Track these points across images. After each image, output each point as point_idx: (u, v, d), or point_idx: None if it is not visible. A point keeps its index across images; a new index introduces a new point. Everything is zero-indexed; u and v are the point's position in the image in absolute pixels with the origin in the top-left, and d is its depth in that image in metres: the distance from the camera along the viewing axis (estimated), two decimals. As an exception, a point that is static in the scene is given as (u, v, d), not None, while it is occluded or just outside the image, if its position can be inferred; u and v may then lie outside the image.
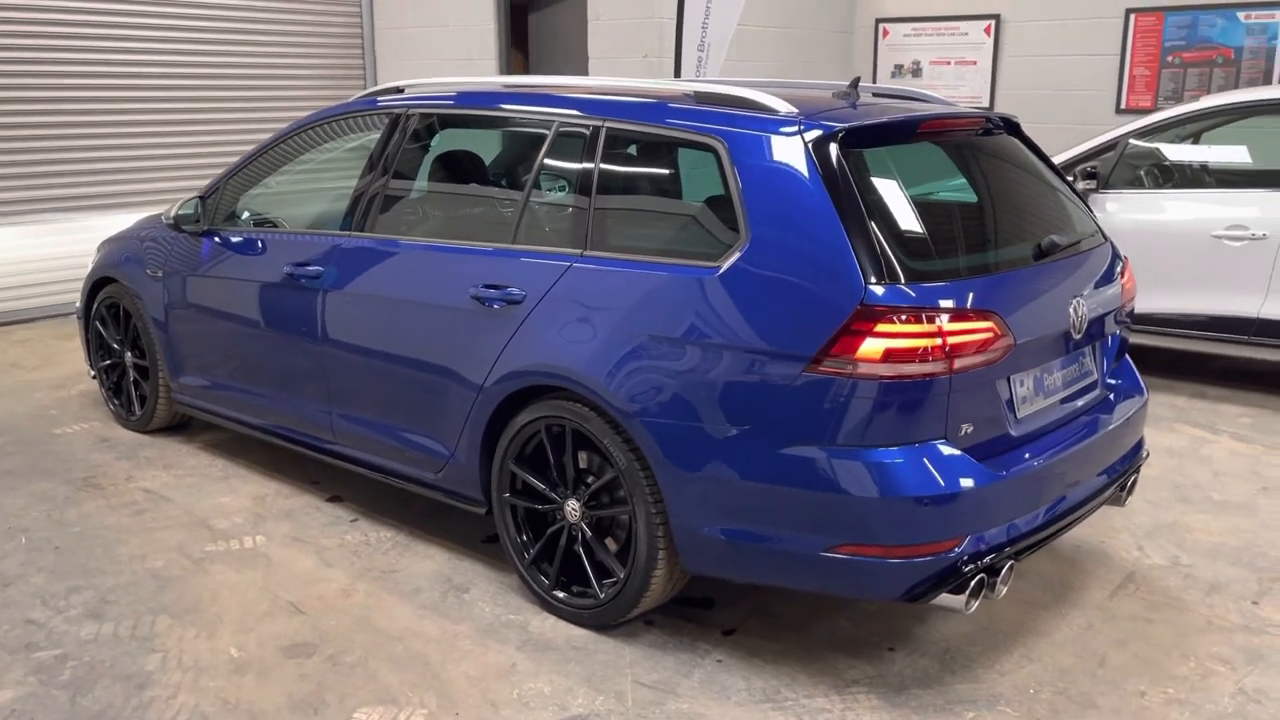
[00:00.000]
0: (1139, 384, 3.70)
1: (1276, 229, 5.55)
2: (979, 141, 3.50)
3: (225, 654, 3.23)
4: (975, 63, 9.19)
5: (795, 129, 3.01)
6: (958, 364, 2.79)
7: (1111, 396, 3.54)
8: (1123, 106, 8.52)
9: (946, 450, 2.84)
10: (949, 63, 9.31)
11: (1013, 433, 3.03)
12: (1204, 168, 6.29)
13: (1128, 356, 3.76)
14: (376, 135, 4.12)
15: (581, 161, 3.41)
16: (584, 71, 8.25)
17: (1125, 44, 8.49)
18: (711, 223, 3.15)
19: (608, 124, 3.39)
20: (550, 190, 3.63)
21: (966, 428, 2.88)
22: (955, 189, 3.34)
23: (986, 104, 9.19)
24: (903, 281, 2.80)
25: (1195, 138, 6.34)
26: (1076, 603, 3.58)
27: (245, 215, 4.63)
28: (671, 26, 7.40)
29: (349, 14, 9.48)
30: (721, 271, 2.98)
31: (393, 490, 4.40)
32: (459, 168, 4.10)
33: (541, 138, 3.58)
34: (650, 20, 7.87)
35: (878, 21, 9.69)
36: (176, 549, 3.95)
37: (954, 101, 3.88)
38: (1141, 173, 6.21)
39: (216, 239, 4.59)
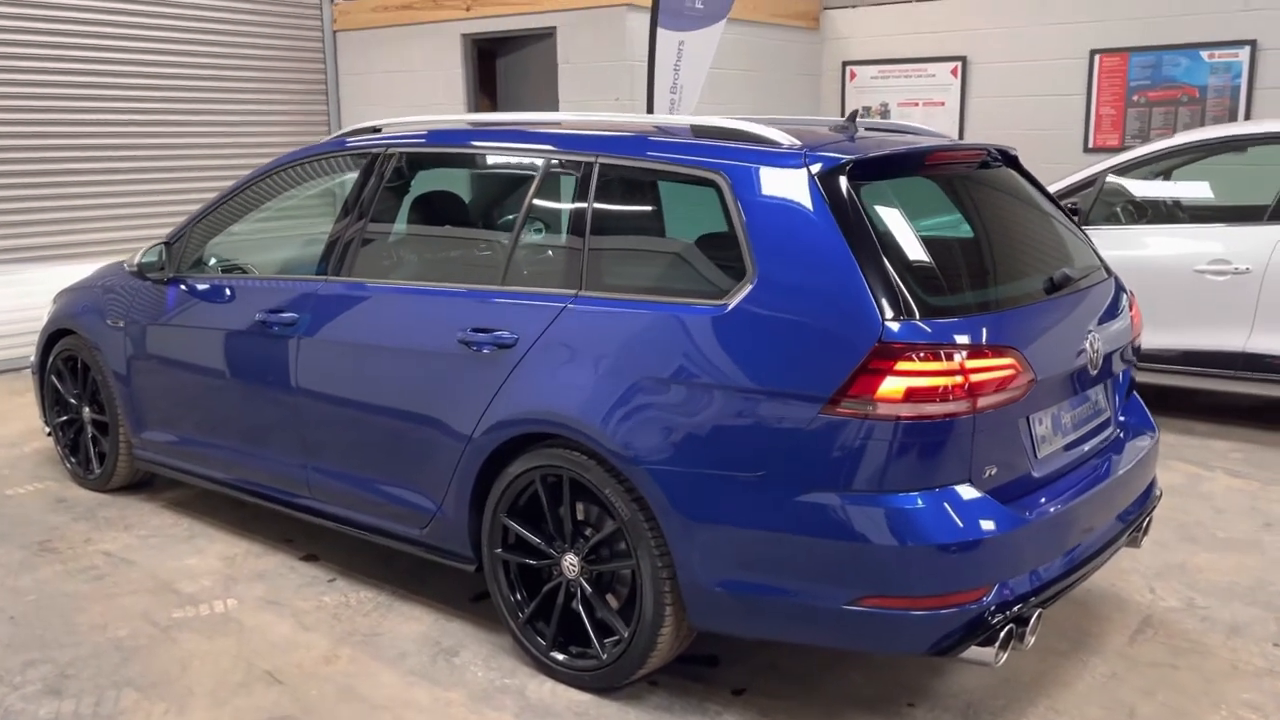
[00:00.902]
0: (1149, 421, 3.59)
1: (1259, 263, 5.53)
2: (980, 175, 3.40)
3: (198, 731, 2.99)
4: (943, 103, 9.22)
5: (800, 161, 2.89)
6: (981, 403, 2.66)
7: (1123, 435, 3.43)
8: (1090, 145, 8.57)
9: (970, 494, 2.69)
10: (917, 104, 9.34)
11: (1035, 474, 2.90)
12: (1180, 204, 6.29)
13: (1136, 394, 3.66)
14: (352, 177, 3.95)
15: (574, 199, 3.27)
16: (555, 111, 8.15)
17: (1091, 84, 8.56)
18: (715, 260, 3.01)
19: (600, 159, 3.25)
20: (540, 229, 3.48)
21: (990, 470, 2.74)
22: (960, 224, 3.23)
23: (955, 144, 9.21)
24: (920, 318, 2.67)
25: (1169, 174, 6.35)
26: (1096, 649, 3.43)
27: (213, 262, 4.43)
28: (643, 69, 7.33)
29: (312, 59, 9.33)
30: (729, 310, 2.84)
31: (372, 548, 4.17)
32: (441, 209, 3.94)
33: (530, 175, 3.43)
34: (621, 63, 7.81)
35: (845, 64, 9.72)
36: (141, 616, 3.69)
37: (947, 136, 3.79)
38: (1119, 209, 6.19)
39: (182, 286, 4.38)
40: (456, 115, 3.99)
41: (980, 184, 3.42)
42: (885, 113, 9.51)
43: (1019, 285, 3.09)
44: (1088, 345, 3.09)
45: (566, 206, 3.29)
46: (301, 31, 9.24)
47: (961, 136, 9.18)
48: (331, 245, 3.85)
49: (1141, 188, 6.25)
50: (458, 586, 3.87)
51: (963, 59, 9.07)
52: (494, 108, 8.96)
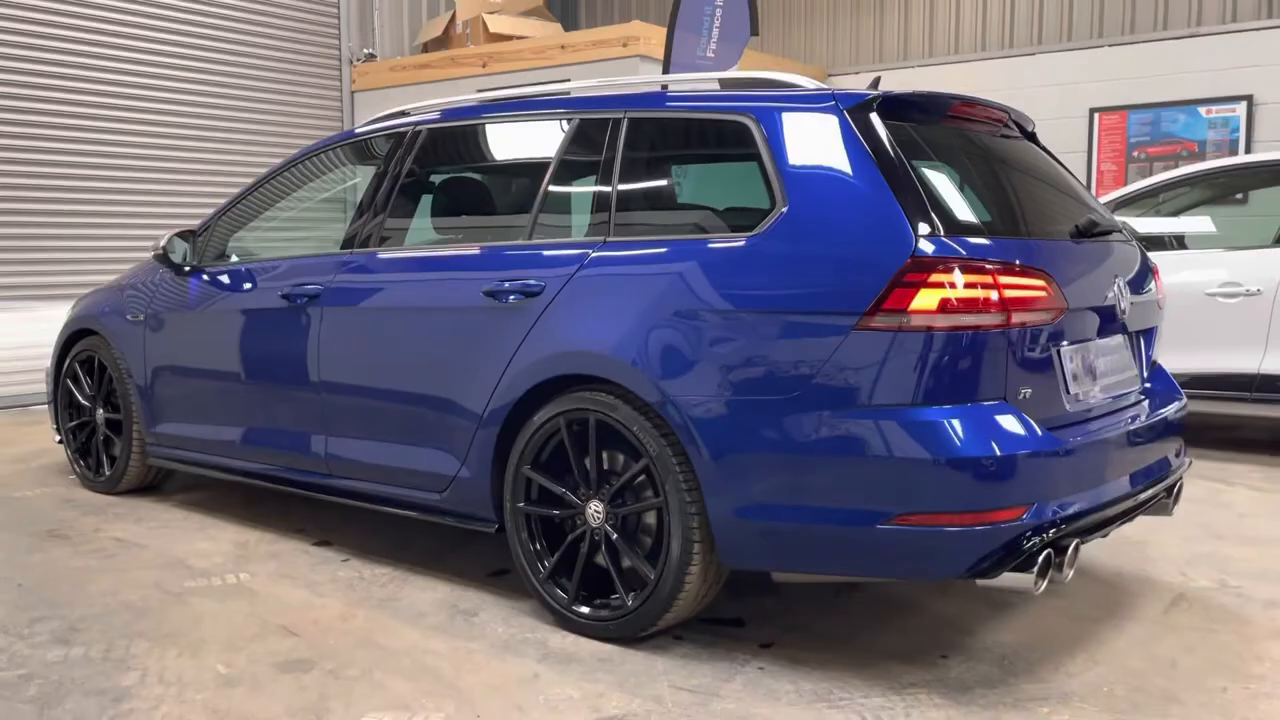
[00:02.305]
0: (1175, 387, 3.58)
1: (1270, 284, 5.57)
2: (1001, 142, 3.46)
3: (212, 670, 2.89)
4: (947, 163, 9.39)
5: (829, 99, 2.95)
6: (1015, 318, 2.66)
7: (1152, 395, 3.41)
8: (1093, 200, 8.70)
9: (1005, 411, 2.67)
10: (921, 164, 9.51)
11: (1067, 407, 2.87)
12: (1181, 239, 6.36)
13: (1162, 364, 3.65)
14: (378, 162, 4.01)
15: (604, 155, 3.31)
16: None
17: (1091, 141, 8.74)
18: (744, 199, 3.04)
19: (630, 114, 3.31)
20: (568, 185, 3.51)
21: (1025, 391, 2.72)
22: (986, 172, 3.27)
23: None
24: (950, 236, 2.69)
25: (1175, 212, 6.45)
26: (1131, 616, 3.35)
27: (234, 258, 4.46)
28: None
29: (329, 119, 9.54)
30: (759, 235, 2.86)
31: (385, 533, 4.12)
32: (467, 184, 3.98)
33: (559, 136, 3.49)
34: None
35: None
36: (152, 585, 3.61)
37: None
38: (1127, 242, 6.26)
39: (204, 276, 4.40)
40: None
41: (1003, 149, 3.47)
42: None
43: (1046, 226, 3.12)
44: (1115, 290, 3.10)
45: (594, 161, 3.34)
46: (321, 92, 9.47)
47: (966, 195, 9.33)
48: (356, 223, 3.89)
49: (1146, 223, 6.33)
50: (475, 564, 3.80)
51: (965, 120, 9.28)
52: (507, 162, 9.12)
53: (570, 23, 11.72)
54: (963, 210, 2.85)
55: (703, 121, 3.20)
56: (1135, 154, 8.59)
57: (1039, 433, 2.69)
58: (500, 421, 3.28)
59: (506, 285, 3.29)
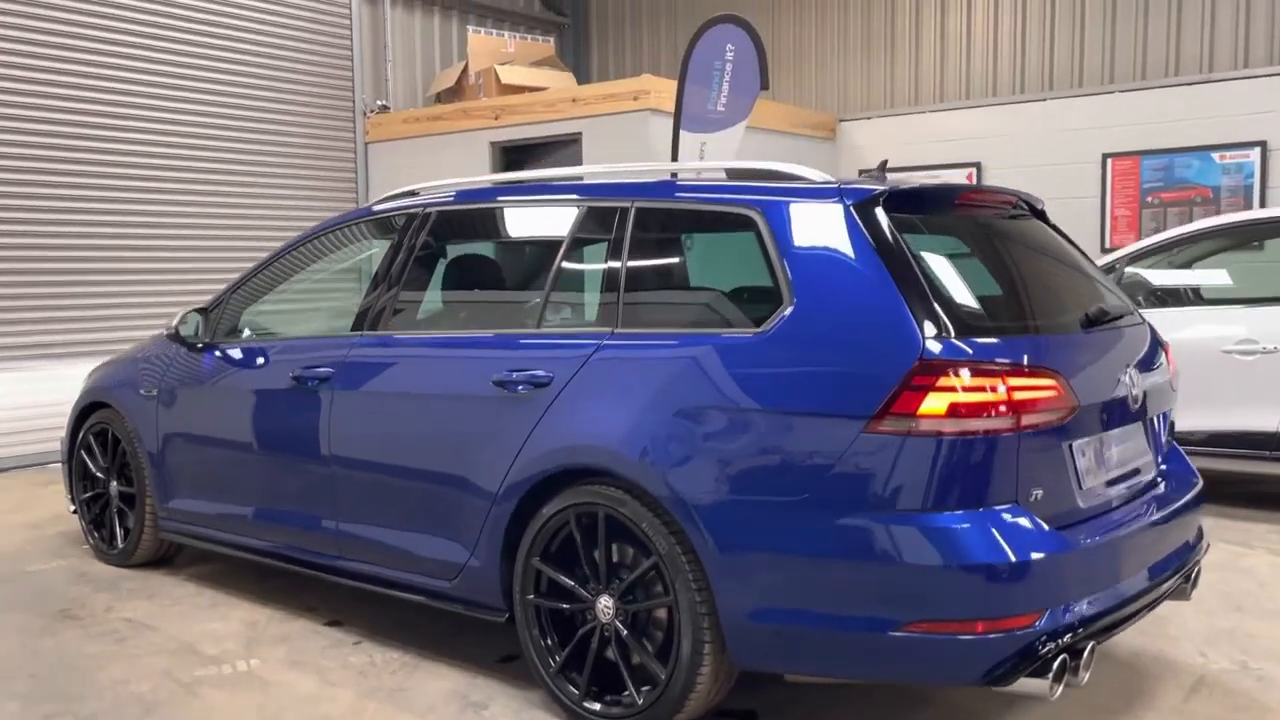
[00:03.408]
0: (1192, 469, 3.54)
1: (1288, 342, 5.52)
2: (1010, 224, 3.45)
3: (221, 775, 2.88)
4: (959, 209, 9.37)
5: (836, 194, 2.95)
6: (1025, 421, 2.64)
7: (1167, 480, 3.38)
8: (1107, 246, 8.66)
9: (1017, 515, 2.64)
10: (933, 209, 9.50)
11: (1080, 504, 2.85)
12: (1201, 291, 6.32)
13: (1175, 442, 3.61)
14: (389, 241, 4.03)
15: (610, 243, 3.32)
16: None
17: (1105, 187, 8.72)
18: (752, 292, 3.04)
19: (638, 204, 3.32)
20: (576, 274, 3.52)
21: (1036, 492, 2.69)
22: (995, 261, 3.26)
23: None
24: (959, 337, 2.67)
25: (1188, 264, 6.41)
26: (1151, 705, 3.30)
27: (247, 333, 4.48)
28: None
29: (344, 170, 9.61)
30: (768, 335, 2.85)
31: (396, 613, 4.09)
32: (476, 269, 4.00)
33: (567, 223, 3.50)
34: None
35: (861, 173, 9.95)
36: (163, 674, 3.60)
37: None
38: (1140, 297, 6.22)
39: (217, 353, 4.42)
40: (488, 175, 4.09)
41: (1012, 232, 3.46)
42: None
43: (1055, 318, 3.10)
44: (1127, 380, 3.07)
45: (602, 251, 3.34)
46: (336, 144, 9.55)
47: (979, 240, 9.30)
48: (367, 304, 3.91)
49: (1161, 276, 6.29)
50: (485, 648, 3.77)
51: (977, 165, 9.28)
52: (519, 213, 9.16)
53: (582, 72, 11.80)
54: (971, 306, 2.83)
55: (709, 214, 3.21)
56: (1149, 199, 8.56)
57: (1051, 535, 2.67)
58: (510, 512, 3.27)
59: (515, 375, 3.28)
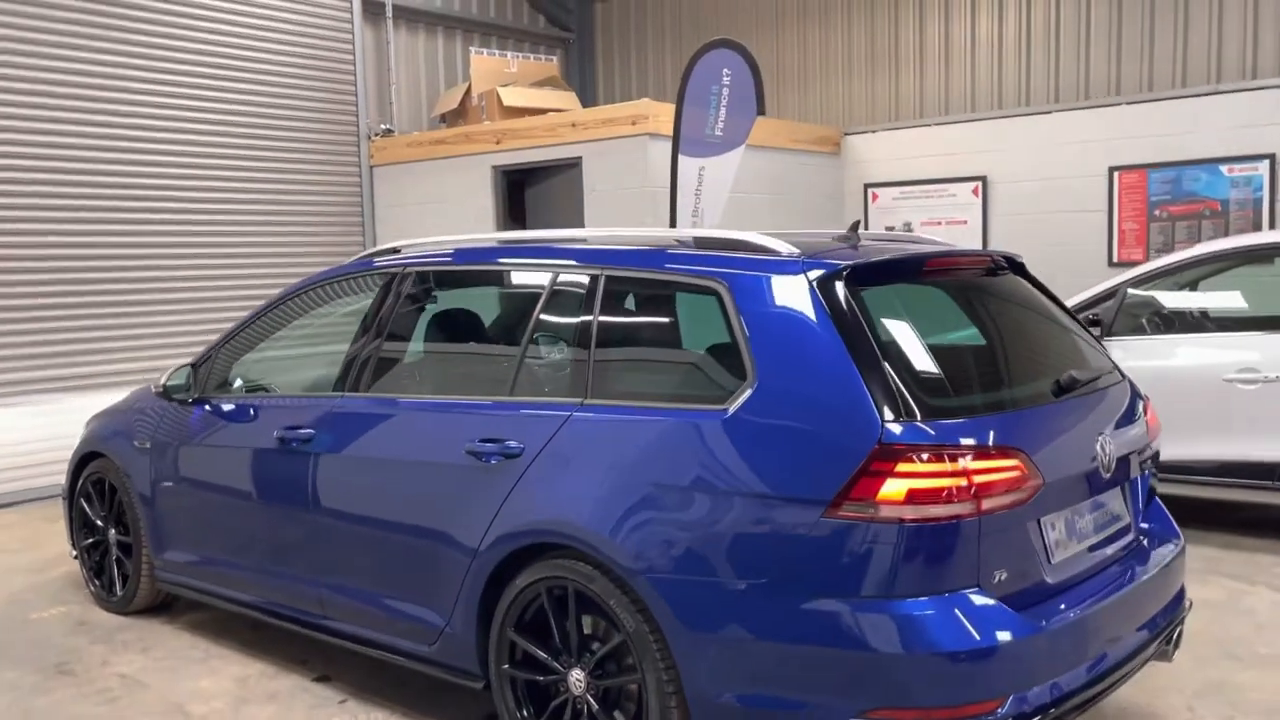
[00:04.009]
0: (1174, 528, 3.50)
1: (1290, 370, 5.45)
2: (985, 281, 3.42)
3: None
4: (966, 222, 9.32)
5: (798, 268, 2.93)
6: (985, 504, 2.62)
7: (1145, 542, 3.34)
8: (1115, 260, 8.58)
9: (980, 600, 2.62)
10: (940, 223, 9.45)
11: (1048, 580, 2.82)
12: (1205, 314, 6.25)
13: (1158, 500, 3.58)
14: (371, 297, 4.05)
15: (581, 310, 3.33)
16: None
17: (1112, 200, 8.62)
18: (716, 367, 3.03)
19: (607, 272, 3.32)
20: (548, 341, 3.52)
21: (1000, 574, 2.67)
22: (965, 328, 3.23)
23: (980, 262, 9.25)
24: (921, 419, 2.66)
25: (1193, 285, 6.33)
26: (1131, 771, 3.27)
27: (238, 384, 4.51)
28: (665, 195, 7.51)
29: (349, 193, 9.65)
30: (729, 415, 2.84)
31: (386, 670, 4.11)
32: (455, 326, 4.01)
33: (540, 289, 3.50)
34: (644, 189, 8.01)
35: (866, 186, 9.90)
36: (150, 738, 3.65)
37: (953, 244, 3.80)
38: (1143, 320, 6.16)
39: (206, 407, 4.46)
40: (477, 234, 4.10)
41: (986, 290, 3.44)
42: (909, 231, 9.63)
43: (1026, 388, 3.07)
44: (1099, 448, 3.04)
45: (572, 319, 3.35)
46: (340, 169, 9.59)
47: (986, 254, 9.23)
48: (348, 363, 3.93)
49: (1165, 299, 6.22)
50: (469, 709, 3.79)
51: (983, 178, 9.21)
52: (523, 235, 9.17)
53: (588, 89, 11.80)
54: (935, 384, 2.81)
55: (677, 284, 3.20)
56: (1157, 213, 8.46)
57: (1014, 617, 2.64)
58: (484, 581, 3.28)
59: (487, 446, 3.29)
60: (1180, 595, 3.39)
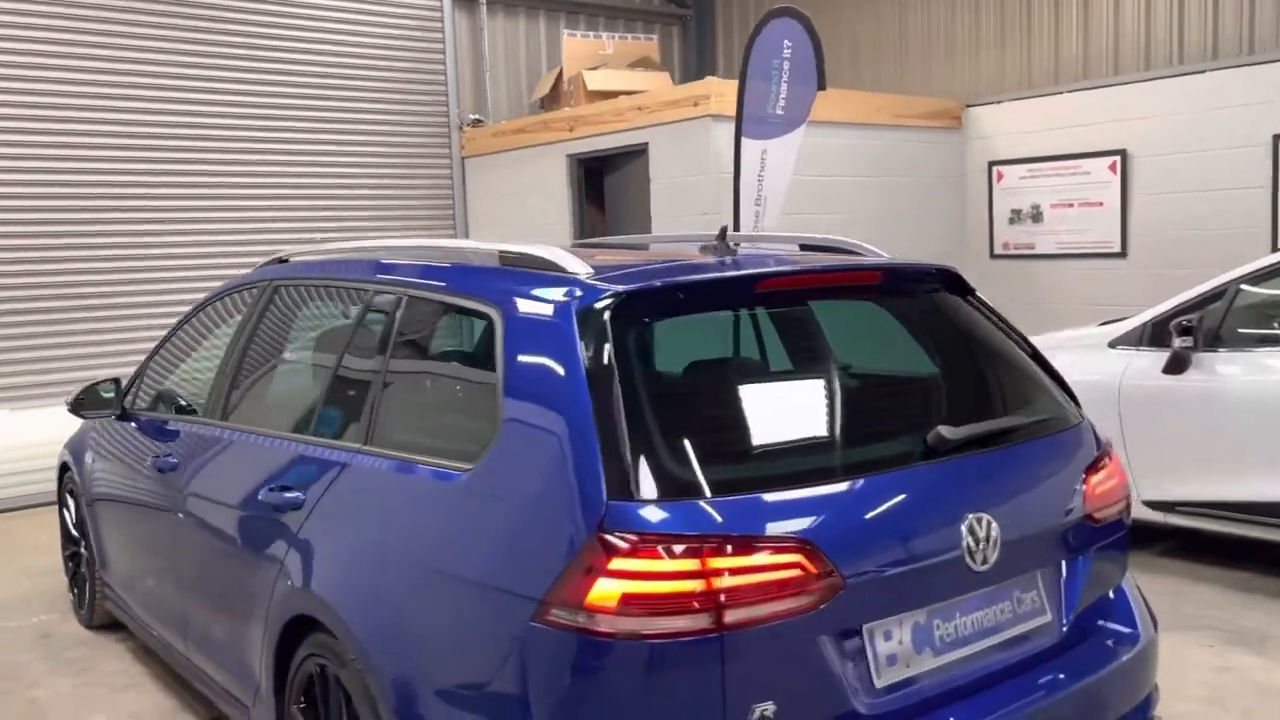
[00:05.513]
0: (1134, 620, 2.65)
1: None
2: (902, 304, 2.69)
3: None
4: (1102, 204, 8.12)
5: (572, 295, 2.32)
6: (732, 617, 1.95)
7: (1083, 642, 2.53)
8: (1279, 246, 7.22)
9: (727, 744, 1.96)
10: (1072, 205, 8.29)
11: (860, 710, 2.11)
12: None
13: (1126, 586, 2.73)
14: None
15: (381, 336, 2.84)
16: (648, 229, 7.78)
17: (1276, 174, 7.25)
18: (478, 411, 2.47)
19: (409, 293, 2.81)
20: (357, 370, 3.05)
21: (762, 710, 2.00)
22: (812, 367, 2.52)
23: (1118, 250, 8.05)
24: (660, 496, 2.01)
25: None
26: None
27: (142, 404, 4.26)
28: (729, 181, 6.86)
29: (443, 185, 9.47)
30: (466, 478, 2.29)
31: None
32: (292, 350, 3.59)
33: (355, 309, 3.05)
34: (707, 175, 7.37)
35: (990, 164, 8.81)
36: (-4, 782, 3.46)
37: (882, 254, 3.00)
38: (1270, 326, 5.01)
39: (120, 424, 4.27)
40: (371, 241, 3.65)
41: (913, 314, 2.71)
42: (1037, 215, 8.50)
43: (870, 450, 2.34)
44: (971, 528, 2.27)
45: (371, 345, 2.86)
46: (433, 160, 9.42)
47: (1124, 240, 8.01)
48: (211, 387, 3.61)
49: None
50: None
51: (1122, 152, 7.97)
52: (605, 222, 8.72)
53: (707, 68, 11.13)
54: (711, 450, 2.14)
55: (458, 308, 2.65)
56: (1332, 189, 7.04)
57: (778, 772, 1.97)
58: (273, 650, 2.86)
59: (275, 496, 2.87)
60: (1143, 706, 2.57)
